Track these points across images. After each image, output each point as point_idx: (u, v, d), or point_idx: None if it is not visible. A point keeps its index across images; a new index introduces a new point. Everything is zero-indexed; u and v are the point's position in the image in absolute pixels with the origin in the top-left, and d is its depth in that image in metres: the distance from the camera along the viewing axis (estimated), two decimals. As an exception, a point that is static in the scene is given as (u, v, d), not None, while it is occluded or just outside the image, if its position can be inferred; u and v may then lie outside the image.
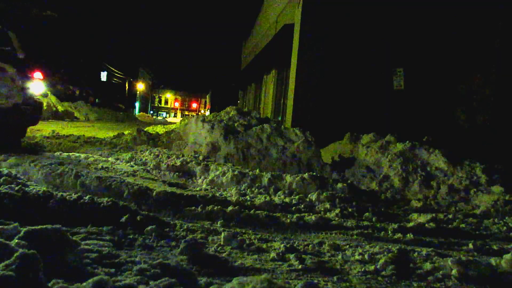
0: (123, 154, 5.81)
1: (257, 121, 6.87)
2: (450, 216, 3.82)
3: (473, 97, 9.03)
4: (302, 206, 3.80)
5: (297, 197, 4.07)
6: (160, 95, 73.61)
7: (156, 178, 4.65)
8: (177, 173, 4.91)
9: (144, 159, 5.59)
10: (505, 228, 3.58)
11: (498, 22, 8.86)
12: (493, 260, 2.37)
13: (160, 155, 5.76)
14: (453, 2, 8.97)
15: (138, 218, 2.65)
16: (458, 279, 2.17)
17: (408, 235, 3.05)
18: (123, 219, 2.63)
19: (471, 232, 3.39)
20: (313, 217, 3.27)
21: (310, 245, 2.63)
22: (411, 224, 3.38)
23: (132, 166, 5.21)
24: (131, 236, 2.44)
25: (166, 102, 76.16)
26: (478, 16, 8.91)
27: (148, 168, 5.11)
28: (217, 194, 4.03)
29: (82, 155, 5.59)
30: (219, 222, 2.98)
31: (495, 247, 2.88)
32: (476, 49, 8.93)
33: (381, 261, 2.34)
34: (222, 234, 2.58)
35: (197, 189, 4.35)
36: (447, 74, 9.10)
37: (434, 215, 3.77)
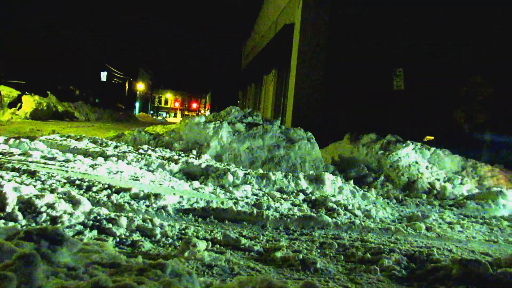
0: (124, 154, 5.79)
1: (260, 122, 6.87)
2: (455, 220, 3.77)
3: (473, 97, 9.01)
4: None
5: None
6: (160, 95, 73.54)
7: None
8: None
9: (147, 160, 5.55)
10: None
11: (496, 21, 8.85)
12: (493, 261, 2.36)
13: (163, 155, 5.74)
14: (452, 2, 8.96)
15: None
16: (458, 279, 2.16)
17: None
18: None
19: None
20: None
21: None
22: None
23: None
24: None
25: (166, 102, 76.11)
26: (477, 15, 8.89)
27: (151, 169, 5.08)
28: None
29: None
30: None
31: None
32: (476, 49, 8.92)
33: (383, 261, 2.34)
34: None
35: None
36: (447, 74, 9.08)
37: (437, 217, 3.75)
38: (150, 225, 2.71)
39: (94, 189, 3.49)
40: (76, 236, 2.41)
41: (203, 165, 5.02)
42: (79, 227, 2.59)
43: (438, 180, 5.17)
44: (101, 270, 1.79)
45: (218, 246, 2.54)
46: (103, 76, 36.38)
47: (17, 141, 5.70)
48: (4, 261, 1.48)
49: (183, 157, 5.55)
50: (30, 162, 4.37)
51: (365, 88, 9.10)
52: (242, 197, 3.95)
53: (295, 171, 5.51)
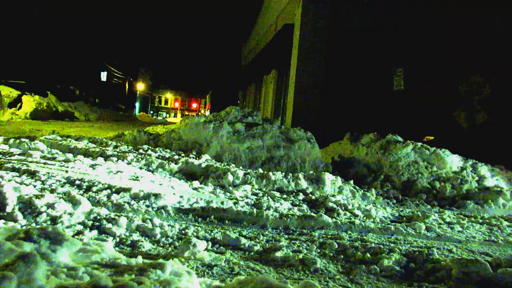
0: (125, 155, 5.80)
1: (260, 122, 6.86)
2: (455, 220, 3.77)
3: (473, 97, 9.01)
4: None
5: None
6: (160, 95, 73.57)
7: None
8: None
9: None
10: None
11: (496, 19, 8.84)
12: (493, 261, 2.37)
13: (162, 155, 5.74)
14: (452, 2, 8.97)
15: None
16: (458, 279, 2.16)
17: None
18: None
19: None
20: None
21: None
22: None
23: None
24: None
25: (166, 102, 76.12)
26: (477, 15, 8.90)
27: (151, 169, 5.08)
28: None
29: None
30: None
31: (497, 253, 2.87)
32: (476, 49, 8.92)
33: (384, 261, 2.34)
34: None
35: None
36: (447, 74, 9.09)
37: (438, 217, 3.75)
38: (150, 225, 2.72)
39: (94, 189, 3.49)
40: (76, 236, 2.41)
41: (203, 165, 5.02)
42: (79, 227, 2.59)
43: (438, 180, 5.17)
44: (101, 270, 1.80)
45: (218, 246, 2.54)
46: (103, 76, 36.37)
47: (17, 141, 5.70)
48: (4, 261, 1.48)
49: (183, 157, 5.56)
50: (30, 162, 4.37)
51: (365, 88, 9.10)
52: (242, 197, 3.95)
53: (295, 171, 5.51)
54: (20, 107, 16.31)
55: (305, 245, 2.70)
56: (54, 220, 2.62)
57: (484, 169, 5.31)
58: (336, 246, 2.66)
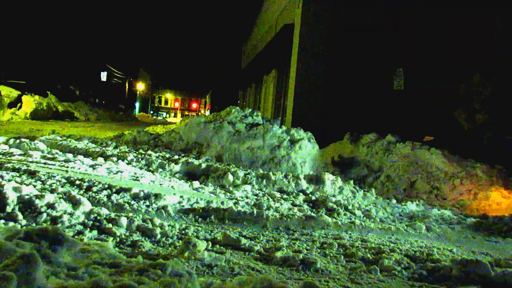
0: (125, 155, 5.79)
1: (260, 122, 6.86)
2: (455, 220, 3.77)
3: (473, 97, 9.00)
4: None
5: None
6: (160, 95, 73.57)
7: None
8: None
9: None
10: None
11: (496, 19, 8.84)
12: (493, 261, 2.36)
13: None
14: (452, 2, 8.96)
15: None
16: (458, 279, 2.16)
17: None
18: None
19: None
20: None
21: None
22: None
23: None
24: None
25: (166, 102, 76.13)
26: (477, 15, 8.89)
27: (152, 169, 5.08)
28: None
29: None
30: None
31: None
32: (476, 49, 8.91)
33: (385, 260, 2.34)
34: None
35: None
36: (447, 74, 9.08)
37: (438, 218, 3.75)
38: (150, 225, 2.71)
39: (94, 189, 3.49)
40: (76, 236, 2.41)
41: (203, 165, 5.02)
42: (79, 227, 2.59)
43: (438, 180, 5.17)
44: (101, 270, 1.79)
45: (218, 246, 2.54)
46: (103, 76, 36.35)
47: (17, 141, 5.70)
48: (4, 261, 1.48)
49: (183, 157, 5.56)
50: (30, 162, 4.37)
51: (365, 88, 9.09)
52: (242, 197, 3.95)
53: (295, 171, 5.51)
54: (20, 107, 16.30)
55: (305, 245, 2.70)
56: (54, 220, 2.62)
57: (483, 169, 5.31)
58: (337, 246, 2.66)
